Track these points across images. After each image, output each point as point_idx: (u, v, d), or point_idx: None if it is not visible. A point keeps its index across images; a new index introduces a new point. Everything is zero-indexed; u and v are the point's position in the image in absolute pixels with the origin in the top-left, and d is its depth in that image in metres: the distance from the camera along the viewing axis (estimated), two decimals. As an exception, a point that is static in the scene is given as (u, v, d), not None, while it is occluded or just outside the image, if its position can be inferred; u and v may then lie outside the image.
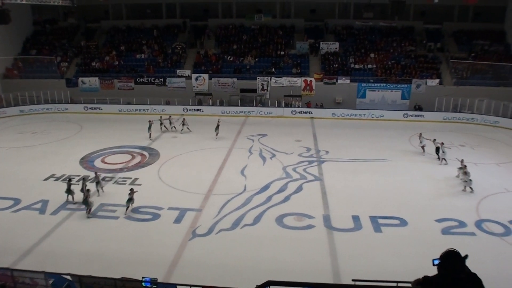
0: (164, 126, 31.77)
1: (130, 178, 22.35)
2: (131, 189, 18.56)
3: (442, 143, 25.19)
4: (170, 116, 32.40)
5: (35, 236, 16.03)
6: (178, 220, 17.35)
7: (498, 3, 41.63)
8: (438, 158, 25.02)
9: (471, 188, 20.31)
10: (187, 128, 31.62)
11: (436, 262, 4.33)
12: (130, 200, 18.17)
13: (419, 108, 37.13)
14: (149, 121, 30.46)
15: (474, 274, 4.24)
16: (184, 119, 32.48)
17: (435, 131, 32.48)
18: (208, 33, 45.50)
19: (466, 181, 20.45)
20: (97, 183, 20.13)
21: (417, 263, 13.05)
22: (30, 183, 21.44)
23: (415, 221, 17.25)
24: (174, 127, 31.99)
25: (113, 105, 39.11)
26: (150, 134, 30.05)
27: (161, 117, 32.31)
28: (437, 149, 25.18)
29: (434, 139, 26.13)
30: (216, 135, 29.76)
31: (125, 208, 18.19)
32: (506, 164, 24.64)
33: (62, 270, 10.63)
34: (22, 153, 26.87)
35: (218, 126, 30.00)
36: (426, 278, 4.43)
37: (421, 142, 26.78)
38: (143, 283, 8.69)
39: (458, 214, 17.78)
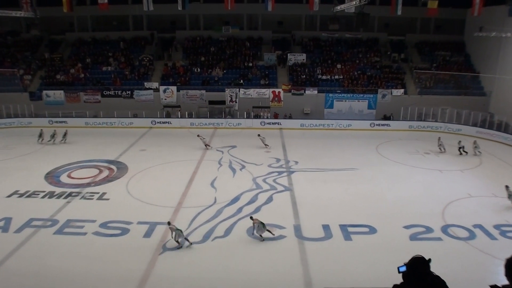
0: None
1: (98, 192, 21.86)
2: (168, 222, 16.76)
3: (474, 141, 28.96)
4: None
5: (-2, 255, 15.43)
6: (147, 234, 17.06)
7: (457, 16, 43.42)
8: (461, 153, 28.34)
9: None
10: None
11: (402, 269, 4.40)
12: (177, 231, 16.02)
13: (389, 118, 37.82)
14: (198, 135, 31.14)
15: (438, 277, 4.35)
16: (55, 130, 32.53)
17: (401, 139, 33.32)
18: (175, 45, 45.36)
19: None
20: None
21: (386, 269, 13.26)
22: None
23: (383, 228, 17.55)
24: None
25: (79, 118, 38.28)
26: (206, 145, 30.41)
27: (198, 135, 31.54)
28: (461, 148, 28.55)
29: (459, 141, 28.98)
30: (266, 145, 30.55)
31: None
32: (470, 171, 25.48)
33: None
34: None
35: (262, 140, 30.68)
36: (395, 286, 4.50)
37: (440, 144, 29.17)
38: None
39: (425, 220, 18.22)
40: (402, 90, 38.90)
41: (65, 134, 31.97)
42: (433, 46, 44.18)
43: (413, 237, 16.81)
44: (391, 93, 38.67)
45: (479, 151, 28.57)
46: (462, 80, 39.82)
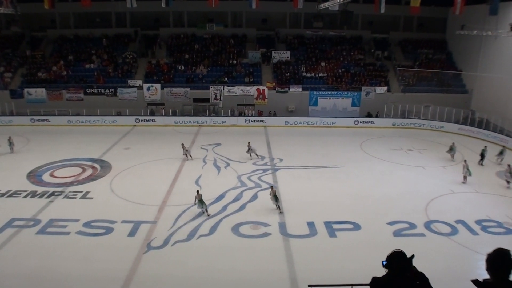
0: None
1: (81, 191, 21.62)
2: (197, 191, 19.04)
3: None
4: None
5: (-22, 256, 15.17)
6: (132, 233, 16.94)
7: (440, 15, 43.95)
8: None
9: None
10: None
11: (385, 263, 4.49)
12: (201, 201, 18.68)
13: (376, 116, 38.07)
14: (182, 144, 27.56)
15: (421, 273, 4.43)
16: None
17: (384, 136, 33.62)
18: (159, 42, 45.01)
19: None
20: None
21: (371, 265, 13.37)
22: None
23: (368, 225, 17.73)
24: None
25: (61, 116, 37.72)
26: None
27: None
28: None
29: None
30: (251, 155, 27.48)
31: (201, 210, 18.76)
32: (451, 167, 25.84)
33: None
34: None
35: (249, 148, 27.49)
36: (374, 278, 4.57)
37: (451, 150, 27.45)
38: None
39: (408, 217, 18.47)
40: (385, 88, 39.26)
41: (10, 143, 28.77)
42: (416, 44, 44.68)
43: (396, 233, 17.03)
44: (375, 91, 39.01)
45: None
46: (444, 78, 40.39)
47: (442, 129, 35.54)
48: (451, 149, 27.46)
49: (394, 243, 15.86)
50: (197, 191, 19.05)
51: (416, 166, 26.12)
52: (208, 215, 18.56)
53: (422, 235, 17.03)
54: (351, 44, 44.75)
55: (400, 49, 44.58)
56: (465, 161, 23.55)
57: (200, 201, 18.69)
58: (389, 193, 21.51)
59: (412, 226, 17.70)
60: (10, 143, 28.71)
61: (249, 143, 27.50)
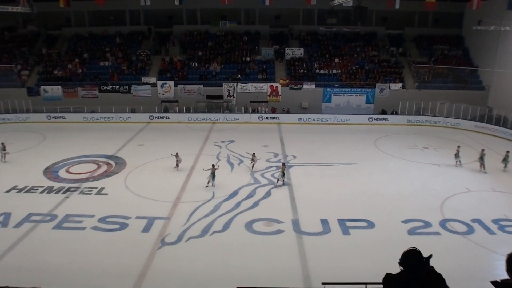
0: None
1: (96, 187, 21.85)
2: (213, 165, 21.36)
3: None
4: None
5: (-3, 250, 15.45)
6: (146, 229, 17.07)
7: (456, 10, 43.26)
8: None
9: None
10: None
11: (400, 260, 4.46)
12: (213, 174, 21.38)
13: (391, 113, 37.71)
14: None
15: (439, 274, 4.35)
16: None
17: (399, 133, 33.33)
18: (173, 39, 45.18)
19: None
20: None
21: (385, 264, 13.30)
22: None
23: (382, 223, 17.59)
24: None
25: (77, 113, 38.21)
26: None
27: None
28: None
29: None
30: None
31: (208, 183, 21.38)
32: (468, 165, 25.47)
33: (27, 284, 10.27)
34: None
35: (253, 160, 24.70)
36: (388, 275, 4.53)
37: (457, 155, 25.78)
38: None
39: (423, 215, 18.26)
40: (400, 85, 38.86)
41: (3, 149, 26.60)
42: (431, 40, 44.09)
43: (411, 232, 16.86)
44: (389, 88, 38.65)
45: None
46: (460, 74, 39.81)
47: (458, 126, 35.06)
48: (481, 158, 24.61)
49: (409, 242, 15.71)
50: (213, 165, 21.75)
51: (431, 164, 25.83)
52: (212, 185, 21.41)
53: (437, 233, 16.82)
54: (365, 40, 44.37)
55: (415, 45, 44.04)
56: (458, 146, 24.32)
57: (213, 174, 21.41)
58: (404, 191, 21.31)
59: (427, 224, 17.50)
60: (2, 150, 26.41)
61: (253, 154, 24.55)
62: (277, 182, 22.06)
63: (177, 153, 24.51)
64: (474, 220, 17.79)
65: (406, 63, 42.00)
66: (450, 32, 44.46)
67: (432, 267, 4.38)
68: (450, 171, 24.58)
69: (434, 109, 36.77)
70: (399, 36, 45.13)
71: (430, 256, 4.38)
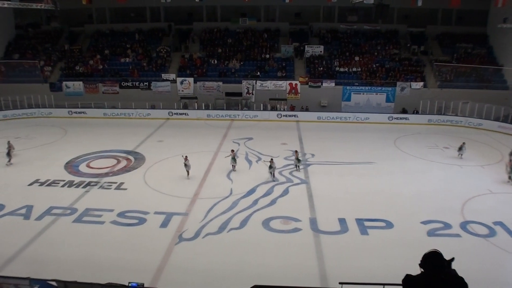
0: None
1: (116, 182, 22.13)
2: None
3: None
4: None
5: (20, 242, 15.77)
6: (164, 224, 17.21)
7: (480, 7, 42.31)
8: None
9: None
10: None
11: (420, 262, 4.37)
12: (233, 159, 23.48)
13: (414, 113, 37.22)
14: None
15: (461, 278, 4.25)
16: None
17: (419, 133, 32.85)
18: (192, 36, 45.38)
19: None
20: None
21: (403, 265, 13.10)
22: (14, 189, 21.09)
23: (400, 223, 17.37)
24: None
25: (97, 109, 38.74)
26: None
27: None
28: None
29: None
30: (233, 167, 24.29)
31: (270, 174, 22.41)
32: (490, 166, 24.98)
33: (47, 276, 10.47)
34: (5, 158, 26.37)
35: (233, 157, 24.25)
36: (408, 276, 4.45)
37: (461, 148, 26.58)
38: (130, 288, 8.61)
39: (443, 216, 17.95)
40: (421, 83, 38.28)
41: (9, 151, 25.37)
42: (454, 38, 43.25)
43: (430, 233, 16.59)
44: (410, 86, 38.10)
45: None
46: (484, 73, 38.96)
47: (480, 126, 34.34)
48: (460, 149, 26.44)
49: (428, 243, 15.54)
50: (232, 150, 24.03)
51: (452, 164, 25.39)
52: (233, 167, 23.70)
53: (458, 235, 16.51)
54: (386, 38, 43.81)
55: (438, 44, 43.30)
56: (510, 160, 22.77)
57: (233, 158, 23.56)
58: (424, 192, 20.98)
59: (447, 226, 17.20)
60: (9, 151, 25.25)
61: (271, 160, 22.57)
62: (297, 169, 24.01)
63: (186, 156, 22.50)
64: (496, 223, 17.38)
65: (428, 62, 41.32)
66: (474, 30, 43.51)
67: (454, 270, 4.27)
68: (472, 172, 24.10)
69: (456, 108, 36.10)
70: (421, 34, 44.41)
71: (452, 259, 4.28)
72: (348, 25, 43.77)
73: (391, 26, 44.48)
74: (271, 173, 22.21)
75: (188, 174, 22.65)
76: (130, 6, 46.59)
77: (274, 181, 21.92)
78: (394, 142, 30.30)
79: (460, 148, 26.47)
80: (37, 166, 24.59)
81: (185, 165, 22.57)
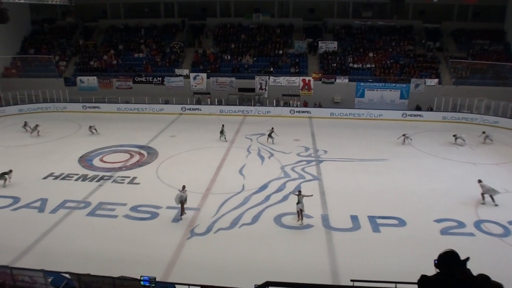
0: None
1: (129, 177, 22.30)
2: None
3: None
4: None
5: (34, 234, 16.01)
6: (176, 219, 17.30)
7: (498, 2, 41.68)
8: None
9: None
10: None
11: (436, 262, 4.29)
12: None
13: (428, 110, 36.89)
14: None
15: (476, 278, 4.18)
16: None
17: (433, 130, 32.50)
18: (206, 32, 45.44)
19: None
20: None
21: (416, 263, 13.05)
22: (29, 182, 21.36)
23: (413, 221, 17.21)
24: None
25: (111, 104, 39.06)
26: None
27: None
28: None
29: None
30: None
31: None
32: (506, 165, 24.62)
33: (61, 268, 10.60)
34: (21, 152, 26.80)
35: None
36: (423, 277, 4.39)
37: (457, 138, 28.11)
38: (142, 282, 8.67)
39: (457, 215, 17.75)
40: (436, 80, 37.84)
41: (35, 127, 30.57)
42: (470, 34, 42.66)
43: (444, 232, 16.41)
44: (425, 83, 37.70)
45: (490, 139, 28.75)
46: (500, 70, 38.34)
47: (496, 124, 33.86)
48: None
49: (441, 242, 15.40)
50: (223, 125, 27.86)
51: (466, 162, 25.07)
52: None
53: (471, 234, 16.30)
54: (401, 34, 43.39)
55: (453, 40, 42.73)
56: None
57: (221, 132, 28.01)
58: (437, 190, 20.76)
59: (461, 224, 17.00)
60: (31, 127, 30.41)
61: (299, 192, 17.94)
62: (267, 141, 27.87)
63: (183, 186, 18.18)
64: (511, 222, 17.15)
65: (443, 58, 40.82)
66: (491, 26, 42.84)
67: (469, 270, 4.21)
68: (486, 170, 23.74)
69: (472, 106, 35.63)
70: (437, 30, 43.88)
71: (467, 258, 4.21)
72: (362, 21, 43.41)
73: (406, 22, 44.04)
74: (298, 212, 16.94)
75: (181, 212, 17.43)
76: (144, 2, 47.00)
77: (300, 224, 16.89)
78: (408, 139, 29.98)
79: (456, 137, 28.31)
80: (51, 160, 24.90)
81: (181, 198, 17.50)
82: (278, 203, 18.91)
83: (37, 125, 30.63)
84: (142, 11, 48.56)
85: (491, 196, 18.91)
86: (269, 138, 28.56)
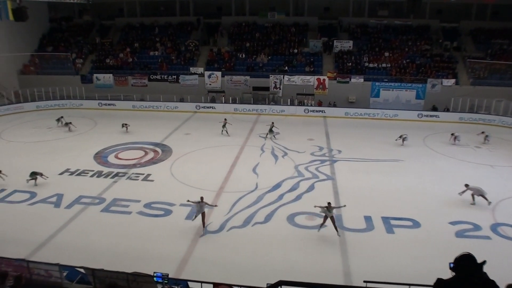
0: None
1: (143, 174, 22.46)
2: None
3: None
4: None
5: (50, 229, 16.25)
6: (189, 216, 17.35)
7: (517, 1, 40.91)
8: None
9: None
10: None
11: (452, 265, 4.21)
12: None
13: (445, 110, 36.45)
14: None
15: (493, 281, 4.09)
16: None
17: (450, 131, 32.04)
18: (221, 30, 45.52)
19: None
20: None
21: (430, 265, 12.90)
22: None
23: (428, 223, 17.01)
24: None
25: (126, 101, 39.38)
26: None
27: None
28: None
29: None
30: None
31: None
32: (524, 167, 24.17)
33: (76, 263, 10.71)
34: (38, 147, 27.19)
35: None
36: (439, 280, 4.31)
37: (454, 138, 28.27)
38: (155, 278, 8.73)
39: (472, 217, 17.48)
40: (453, 80, 37.33)
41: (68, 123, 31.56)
42: (489, 33, 41.96)
43: (459, 234, 16.18)
44: (442, 83, 37.22)
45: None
46: (520, 71, 37.67)
47: (514, 125, 33.30)
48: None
49: (456, 244, 15.19)
50: (225, 119, 29.33)
51: (483, 164, 24.68)
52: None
53: (488, 238, 16.03)
54: (418, 33, 42.87)
55: (471, 39, 42.07)
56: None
57: (224, 126, 29.03)
58: (453, 191, 20.40)
59: (477, 227, 16.73)
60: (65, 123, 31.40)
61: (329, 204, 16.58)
62: (265, 137, 28.95)
63: (202, 198, 16.32)
64: (529, 226, 16.84)
65: (461, 58, 40.24)
66: (511, 25, 42.06)
67: (485, 273, 4.12)
68: (504, 172, 23.36)
69: (489, 107, 35.05)
70: (454, 30, 43.27)
71: (484, 262, 4.12)
72: (378, 20, 43.06)
73: (423, 21, 43.48)
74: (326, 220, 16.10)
75: (203, 225, 16.14)
76: (160, 0, 47.16)
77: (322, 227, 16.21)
78: (423, 140, 29.70)
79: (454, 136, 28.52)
80: (67, 156, 25.19)
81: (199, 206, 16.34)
82: (291, 202, 18.87)
83: (70, 122, 31.41)
84: (158, 9, 48.87)
85: (483, 196, 18.70)
86: (269, 134, 29.39)
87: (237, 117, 36.00)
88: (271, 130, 29.47)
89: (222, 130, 30.09)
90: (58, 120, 32.30)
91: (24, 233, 16.02)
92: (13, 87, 40.05)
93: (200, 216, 16.13)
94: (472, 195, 18.92)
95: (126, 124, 30.90)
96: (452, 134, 28.69)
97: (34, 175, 20.60)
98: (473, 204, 18.84)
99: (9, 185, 20.50)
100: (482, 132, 29.24)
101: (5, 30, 39.42)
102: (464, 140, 29.07)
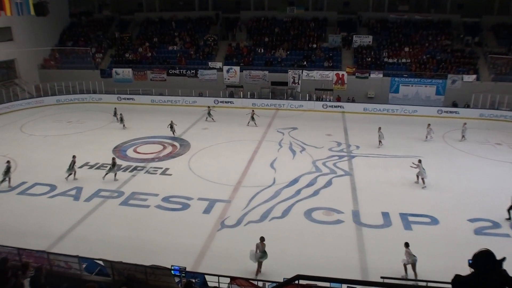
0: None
1: (161, 168, 22.71)
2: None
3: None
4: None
5: (70, 221, 16.60)
6: (207, 210, 17.53)
7: (542, -4, 39.95)
8: None
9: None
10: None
11: (471, 262, 4.19)
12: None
13: (465, 107, 35.86)
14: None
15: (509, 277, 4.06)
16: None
17: (470, 128, 31.54)
18: (240, 25, 45.52)
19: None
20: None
21: (447, 263, 12.82)
22: (65, 171, 21.98)
23: (446, 220, 16.86)
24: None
25: (145, 96, 39.77)
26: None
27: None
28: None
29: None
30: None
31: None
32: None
33: (95, 255, 10.94)
34: (58, 141, 27.69)
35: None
36: (457, 277, 4.29)
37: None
38: (172, 271, 8.87)
39: (492, 215, 17.25)
40: (474, 76, 36.68)
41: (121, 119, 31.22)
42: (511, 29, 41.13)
43: (478, 232, 16.00)
44: (462, 79, 36.61)
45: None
46: (543, 67, 36.81)
47: (537, 122, 32.61)
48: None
49: (475, 242, 15.02)
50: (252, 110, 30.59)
51: (504, 161, 24.26)
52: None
53: (507, 235, 15.83)
54: (438, 28, 42.18)
55: (493, 35, 41.22)
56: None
57: (252, 117, 30.39)
58: (472, 189, 20.21)
59: (496, 225, 16.52)
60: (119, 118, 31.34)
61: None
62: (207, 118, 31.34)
63: (262, 238, 13.72)
64: (550, 224, 16.55)
65: (482, 54, 39.50)
66: (534, 20, 41.13)
67: (505, 270, 4.09)
68: (525, 170, 22.96)
69: (511, 103, 34.37)
70: (476, 25, 42.44)
71: (504, 258, 4.09)
72: (398, 14, 42.52)
73: (444, 16, 42.78)
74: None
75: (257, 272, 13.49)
76: (179, -5, 47.38)
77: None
78: (443, 136, 29.31)
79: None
80: (87, 150, 25.57)
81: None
82: (308, 198, 18.87)
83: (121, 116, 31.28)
84: (177, 4, 49.11)
85: (422, 179, 20.07)
86: (251, 121, 31.29)
87: (255, 112, 35.98)
88: (252, 118, 31.27)
89: (249, 122, 31.29)
90: (114, 115, 32.59)
91: (44, 225, 16.41)
92: (34, 81, 40.81)
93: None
94: (417, 174, 20.14)
95: (172, 123, 28.91)
96: (429, 125, 28.43)
97: (72, 168, 20.82)
98: (417, 182, 20.24)
99: (30, 178, 20.95)
100: (464, 124, 28.78)
101: (26, 25, 40.17)
102: (484, 136, 28.62)
